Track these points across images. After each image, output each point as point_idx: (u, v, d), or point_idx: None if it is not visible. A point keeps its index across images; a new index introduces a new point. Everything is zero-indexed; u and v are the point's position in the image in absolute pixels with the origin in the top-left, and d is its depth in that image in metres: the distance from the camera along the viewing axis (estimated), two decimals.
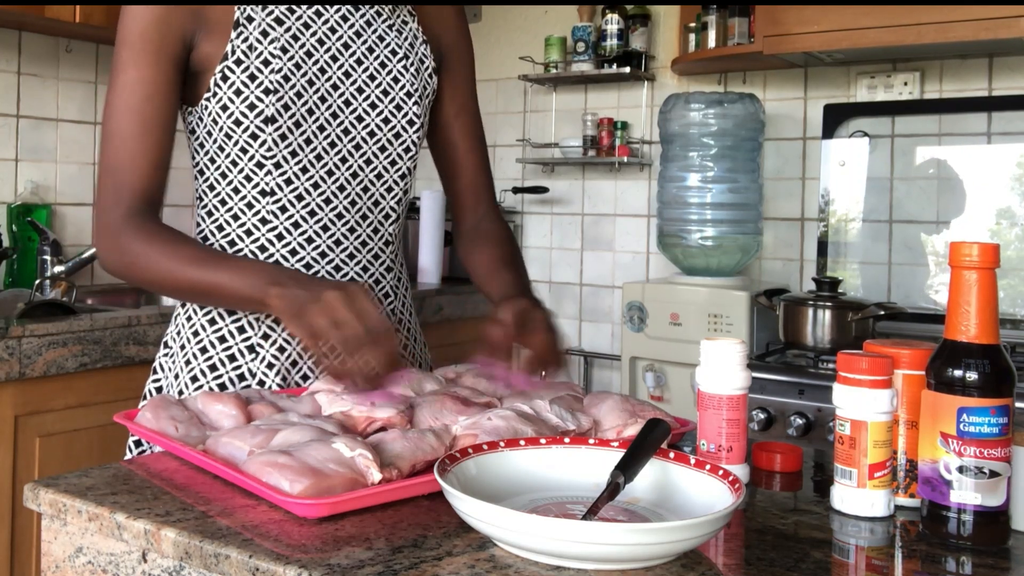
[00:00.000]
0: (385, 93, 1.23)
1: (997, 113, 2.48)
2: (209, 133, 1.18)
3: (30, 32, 2.56)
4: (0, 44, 2.52)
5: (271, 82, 1.14)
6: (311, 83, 1.17)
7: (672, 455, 0.86)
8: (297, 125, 1.16)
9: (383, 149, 1.23)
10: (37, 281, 2.37)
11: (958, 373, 0.81)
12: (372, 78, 1.22)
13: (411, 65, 1.26)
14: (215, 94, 1.15)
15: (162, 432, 0.97)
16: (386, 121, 1.23)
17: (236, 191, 1.18)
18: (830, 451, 0.96)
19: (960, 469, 0.80)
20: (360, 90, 1.21)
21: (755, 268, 2.88)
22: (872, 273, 2.64)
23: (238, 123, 1.15)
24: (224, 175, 1.19)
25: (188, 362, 1.20)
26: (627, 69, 2.93)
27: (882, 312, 2.24)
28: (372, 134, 1.22)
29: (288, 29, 1.16)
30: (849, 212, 2.68)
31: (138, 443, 1.21)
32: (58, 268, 2.42)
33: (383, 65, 1.24)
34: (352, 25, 1.22)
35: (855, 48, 2.40)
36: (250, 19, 1.15)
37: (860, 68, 2.69)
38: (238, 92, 1.14)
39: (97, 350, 1.99)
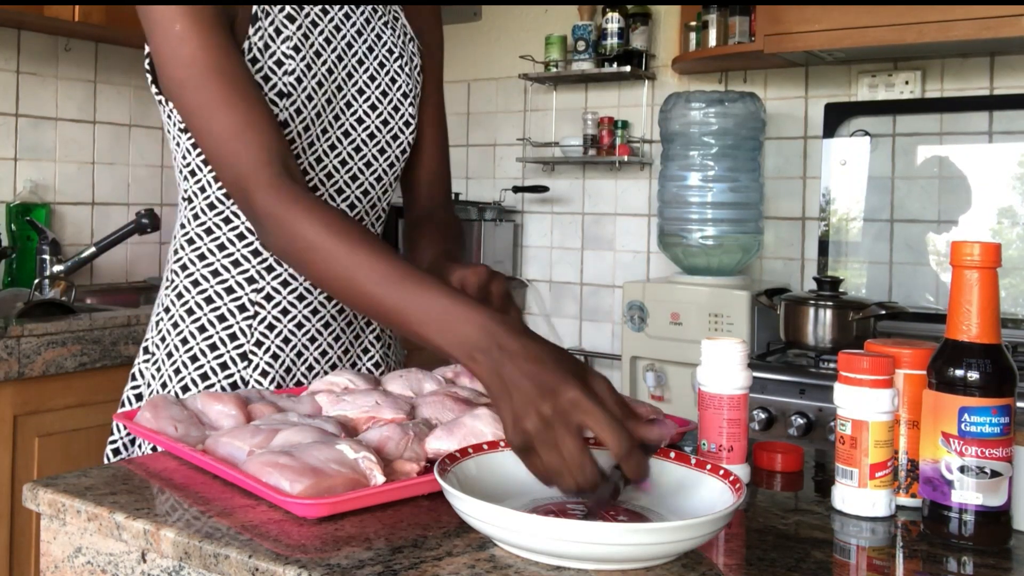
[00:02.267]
0: (384, 95, 1.21)
1: (998, 112, 2.48)
2: None
3: (29, 31, 2.56)
4: None
5: (284, 84, 1.10)
6: (320, 85, 1.13)
7: (672, 455, 0.86)
8: (306, 129, 1.13)
9: (382, 152, 1.21)
10: (36, 280, 2.37)
11: (959, 373, 0.80)
12: (372, 79, 1.20)
13: (405, 65, 1.23)
14: None
15: (161, 432, 0.96)
16: (385, 123, 1.20)
17: (228, 195, 1.14)
18: (831, 451, 0.95)
19: (961, 469, 0.80)
20: (361, 91, 1.19)
21: (756, 267, 2.87)
22: (873, 272, 2.64)
23: None
24: (217, 178, 1.13)
25: (178, 371, 1.15)
26: (627, 68, 2.93)
27: (883, 311, 2.23)
28: (372, 136, 1.20)
29: (299, 27, 1.12)
30: (850, 211, 2.68)
31: (116, 452, 1.17)
32: (57, 267, 2.41)
33: (382, 65, 1.21)
34: (354, 23, 1.19)
35: (856, 47, 2.39)
36: (267, 13, 1.10)
37: (861, 67, 2.68)
38: None
39: (96, 350, 1.99)
